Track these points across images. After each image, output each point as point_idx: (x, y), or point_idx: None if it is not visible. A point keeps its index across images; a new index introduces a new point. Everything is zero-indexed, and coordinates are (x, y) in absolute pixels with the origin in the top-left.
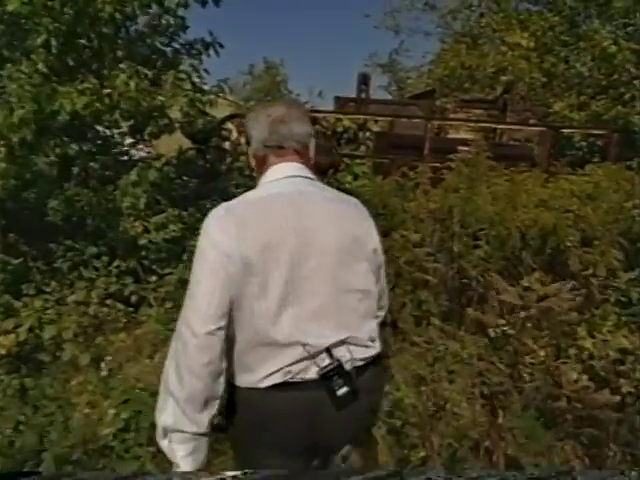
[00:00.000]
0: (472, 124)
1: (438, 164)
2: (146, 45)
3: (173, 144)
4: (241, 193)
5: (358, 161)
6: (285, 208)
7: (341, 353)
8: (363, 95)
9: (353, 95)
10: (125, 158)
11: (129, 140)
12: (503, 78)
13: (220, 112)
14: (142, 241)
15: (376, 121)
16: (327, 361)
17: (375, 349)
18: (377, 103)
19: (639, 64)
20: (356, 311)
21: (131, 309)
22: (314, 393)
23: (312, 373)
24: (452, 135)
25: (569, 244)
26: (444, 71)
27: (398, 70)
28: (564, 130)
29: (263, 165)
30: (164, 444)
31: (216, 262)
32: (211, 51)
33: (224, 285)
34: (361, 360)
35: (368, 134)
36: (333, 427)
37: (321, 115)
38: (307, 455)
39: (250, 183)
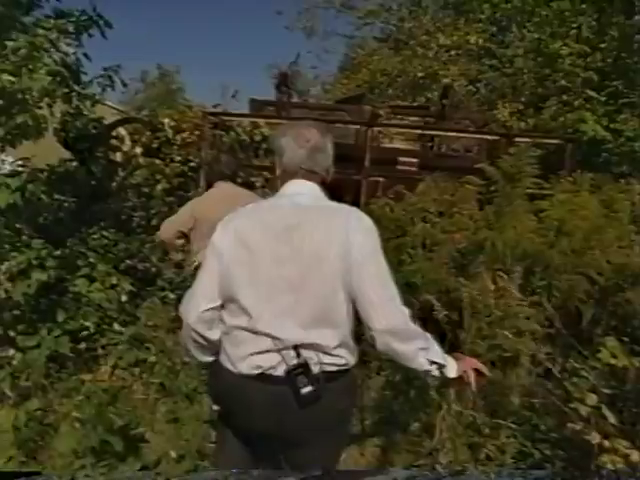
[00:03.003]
0: (409, 132)
1: (381, 178)
2: None
3: (48, 156)
4: (140, 217)
5: None
6: (275, 217)
7: (309, 355)
8: (284, 98)
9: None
10: None
11: None
12: (445, 80)
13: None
14: None
15: None
16: (295, 360)
17: (344, 358)
18: (300, 107)
19: (587, 68)
20: (325, 318)
21: None
22: (280, 388)
23: (280, 371)
24: (387, 144)
25: None
26: (364, 76)
27: (300, 82)
28: (518, 140)
29: (288, 178)
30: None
31: (211, 259)
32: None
33: (215, 276)
34: (330, 366)
35: None
36: (296, 423)
37: (235, 121)
38: (269, 445)
39: (150, 204)
